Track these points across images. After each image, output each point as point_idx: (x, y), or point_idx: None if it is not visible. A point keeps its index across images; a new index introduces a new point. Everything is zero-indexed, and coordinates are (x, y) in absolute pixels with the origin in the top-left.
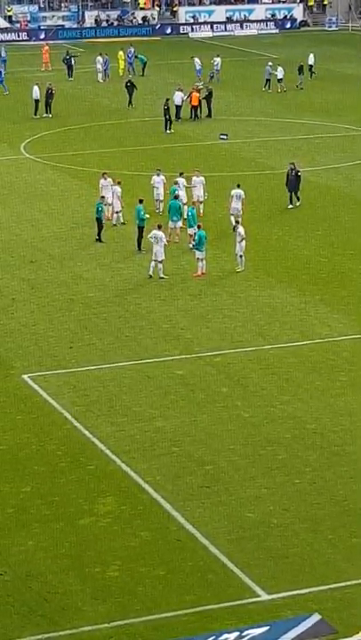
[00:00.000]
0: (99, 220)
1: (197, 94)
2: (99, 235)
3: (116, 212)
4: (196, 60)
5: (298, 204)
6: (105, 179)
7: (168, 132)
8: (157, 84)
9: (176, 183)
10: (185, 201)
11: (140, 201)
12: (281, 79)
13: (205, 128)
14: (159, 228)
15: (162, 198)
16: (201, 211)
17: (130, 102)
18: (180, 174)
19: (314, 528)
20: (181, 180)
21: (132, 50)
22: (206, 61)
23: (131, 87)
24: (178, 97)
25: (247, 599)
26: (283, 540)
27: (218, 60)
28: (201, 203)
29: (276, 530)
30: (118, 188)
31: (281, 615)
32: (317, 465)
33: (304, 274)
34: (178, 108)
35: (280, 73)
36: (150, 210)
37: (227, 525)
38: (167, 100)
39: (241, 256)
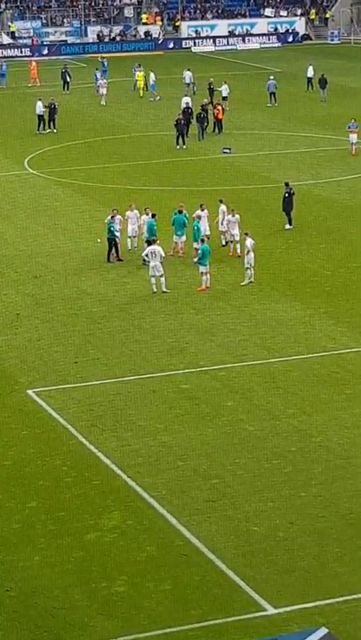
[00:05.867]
0: (110, 240)
1: (221, 107)
2: (109, 255)
3: (133, 237)
4: (151, 74)
5: (289, 227)
6: (131, 210)
7: (183, 147)
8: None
9: (199, 218)
10: (202, 231)
11: (153, 215)
12: (226, 97)
13: (208, 142)
14: (154, 242)
15: (135, 234)
16: (238, 250)
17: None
18: (201, 206)
19: (320, 541)
20: (201, 213)
21: (105, 62)
22: (198, 75)
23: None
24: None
25: (254, 613)
26: (289, 553)
27: (188, 73)
28: (237, 242)
29: (283, 543)
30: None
31: (288, 629)
32: (323, 478)
33: (308, 287)
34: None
35: (225, 91)
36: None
37: (233, 539)
38: (182, 113)
39: (249, 268)
